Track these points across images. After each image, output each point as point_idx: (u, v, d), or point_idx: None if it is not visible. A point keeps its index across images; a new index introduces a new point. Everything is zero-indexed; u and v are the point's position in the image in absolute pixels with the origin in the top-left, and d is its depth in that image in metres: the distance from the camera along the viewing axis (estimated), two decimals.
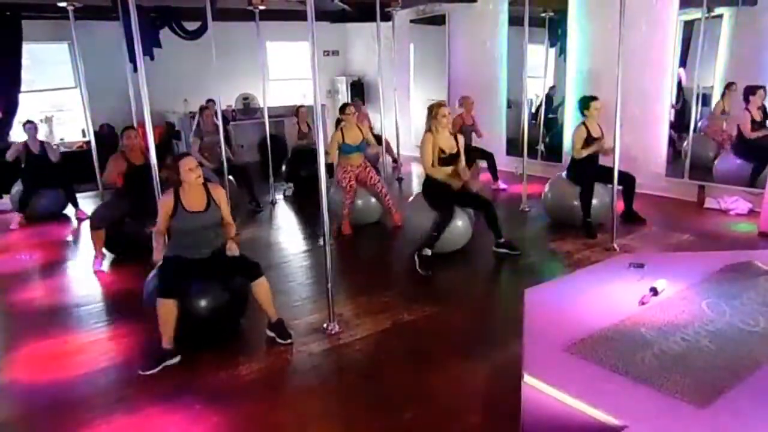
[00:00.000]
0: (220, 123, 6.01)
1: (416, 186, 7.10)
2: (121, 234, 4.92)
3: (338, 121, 6.00)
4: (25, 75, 8.31)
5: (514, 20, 7.84)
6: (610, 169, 4.74)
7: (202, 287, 3.30)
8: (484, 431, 2.56)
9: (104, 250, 4.98)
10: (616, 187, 4.80)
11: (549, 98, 8.18)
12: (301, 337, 3.47)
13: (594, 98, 5.29)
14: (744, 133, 5.87)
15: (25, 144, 6.46)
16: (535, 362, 2.01)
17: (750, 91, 5.78)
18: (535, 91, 8.16)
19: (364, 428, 2.62)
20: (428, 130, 4.64)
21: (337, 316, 3.59)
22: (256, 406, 2.80)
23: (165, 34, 8.59)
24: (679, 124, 6.54)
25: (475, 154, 6.94)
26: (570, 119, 7.36)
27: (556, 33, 7.74)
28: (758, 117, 5.79)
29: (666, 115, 6.48)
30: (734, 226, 5.38)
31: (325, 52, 11.16)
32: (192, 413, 2.74)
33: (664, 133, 6.52)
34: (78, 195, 6.99)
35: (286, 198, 7.42)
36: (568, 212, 5.37)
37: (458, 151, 4.67)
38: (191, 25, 8.61)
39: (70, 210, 6.91)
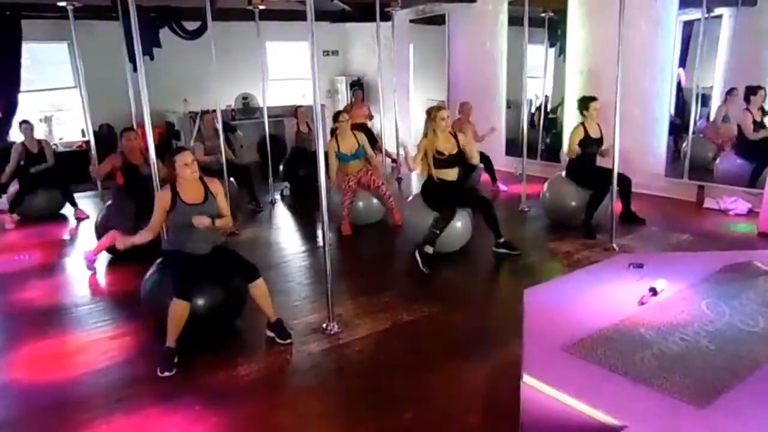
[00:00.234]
0: (220, 128, 6.01)
1: (416, 186, 7.09)
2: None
3: (333, 130, 5.99)
4: (24, 75, 8.31)
5: (514, 20, 7.85)
6: (608, 171, 4.74)
7: (201, 286, 3.29)
8: (484, 431, 2.56)
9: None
10: (615, 187, 4.80)
11: (543, 106, 8.24)
12: (301, 337, 3.47)
13: (593, 98, 5.28)
14: (746, 134, 5.87)
15: (23, 144, 6.46)
16: (535, 362, 2.01)
17: (751, 91, 5.78)
18: (534, 91, 8.17)
19: (364, 428, 2.62)
20: (425, 134, 4.64)
21: (336, 316, 3.59)
22: (255, 406, 2.81)
23: (165, 34, 8.59)
24: (679, 124, 6.55)
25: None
26: (570, 119, 7.35)
27: (556, 33, 7.75)
28: (759, 117, 5.79)
29: (666, 115, 6.48)
30: (733, 226, 5.39)
31: (325, 52, 11.16)
32: (192, 413, 2.74)
33: (663, 133, 6.52)
34: (77, 195, 6.98)
35: (283, 198, 7.42)
36: (566, 212, 5.37)
37: (459, 151, 4.65)
38: (191, 25, 8.60)
39: (67, 210, 6.90)
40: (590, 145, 5.23)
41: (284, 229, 6.33)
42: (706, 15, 6.11)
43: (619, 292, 2.57)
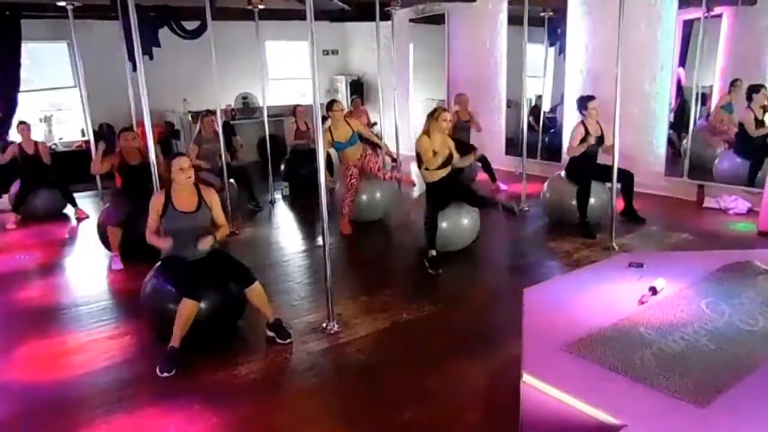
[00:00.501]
0: (220, 130, 6.00)
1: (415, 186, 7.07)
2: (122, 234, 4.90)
3: (324, 118, 5.94)
4: (24, 74, 8.30)
5: (514, 19, 7.84)
6: (609, 168, 4.74)
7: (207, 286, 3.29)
8: (484, 430, 2.56)
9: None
10: (615, 185, 4.80)
11: (536, 107, 8.27)
12: (301, 336, 3.47)
13: (591, 98, 5.29)
14: (748, 132, 5.88)
15: (20, 145, 6.46)
16: (534, 361, 2.01)
17: (753, 89, 5.79)
18: (534, 90, 8.17)
19: (364, 428, 2.62)
20: (425, 132, 4.63)
21: (336, 316, 3.60)
22: (255, 406, 2.81)
23: (164, 34, 8.57)
24: (679, 123, 6.54)
25: (471, 148, 6.93)
26: (569, 119, 7.35)
27: (556, 32, 7.75)
28: (760, 115, 5.80)
29: (665, 114, 6.48)
30: (733, 225, 5.39)
31: (325, 52, 11.16)
32: (191, 413, 2.74)
33: (663, 132, 6.52)
34: (76, 194, 6.98)
35: (284, 198, 7.42)
36: (566, 212, 5.37)
37: (451, 153, 4.65)
38: (190, 25, 8.59)
39: (68, 210, 6.90)
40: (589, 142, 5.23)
41: (284, 229, 6.33)
42: (706, 14, 6.10)
43: (618, 291, 2.57)
